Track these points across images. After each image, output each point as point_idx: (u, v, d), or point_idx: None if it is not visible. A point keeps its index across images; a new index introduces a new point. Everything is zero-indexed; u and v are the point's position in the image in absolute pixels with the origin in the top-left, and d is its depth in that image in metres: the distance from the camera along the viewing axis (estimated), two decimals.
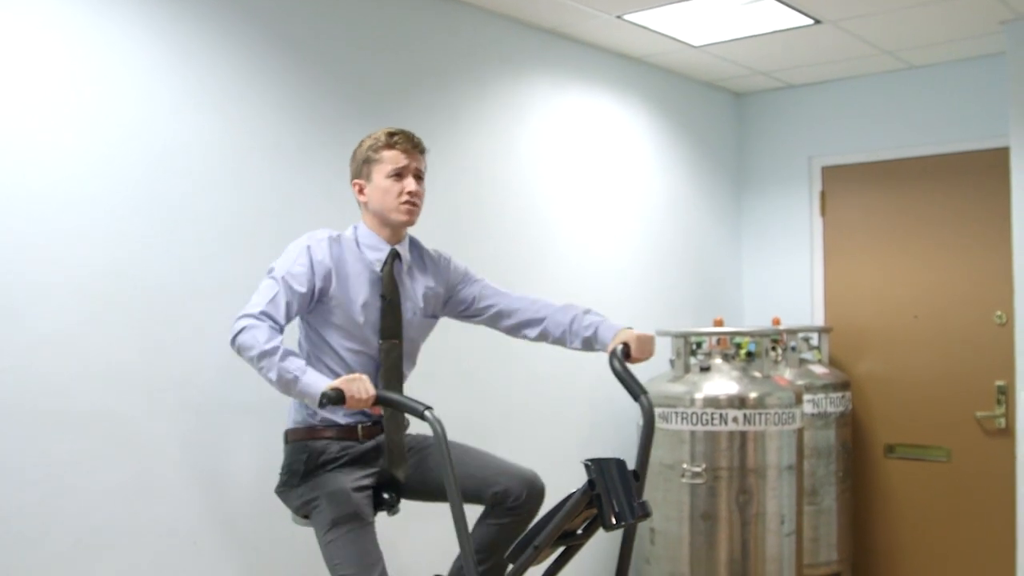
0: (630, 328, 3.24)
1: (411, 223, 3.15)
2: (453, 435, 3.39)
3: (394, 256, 3.14)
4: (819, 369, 5.63)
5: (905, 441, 5.77)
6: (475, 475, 3.10)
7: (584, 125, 5.27)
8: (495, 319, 3.39)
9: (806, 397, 5.30)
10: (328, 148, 3.98)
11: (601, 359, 5.05)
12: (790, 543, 4.83)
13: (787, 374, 5.38)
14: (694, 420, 4.79)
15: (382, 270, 3.10)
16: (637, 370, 4.96)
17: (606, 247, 5.38)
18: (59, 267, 3.21)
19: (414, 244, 3.28)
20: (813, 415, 5.42)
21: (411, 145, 3.12)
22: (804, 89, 6.16)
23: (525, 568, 2.81)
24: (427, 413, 2.73)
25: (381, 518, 3.10)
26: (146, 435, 3.42)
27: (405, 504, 3.22)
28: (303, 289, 2.96)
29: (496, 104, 4.78)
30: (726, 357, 5.04)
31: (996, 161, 5.26)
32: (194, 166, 3.59)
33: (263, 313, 2.85)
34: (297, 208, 3.89)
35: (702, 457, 4.77)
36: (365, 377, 2.78)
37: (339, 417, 3.08)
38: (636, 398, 3.05)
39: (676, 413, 4.84)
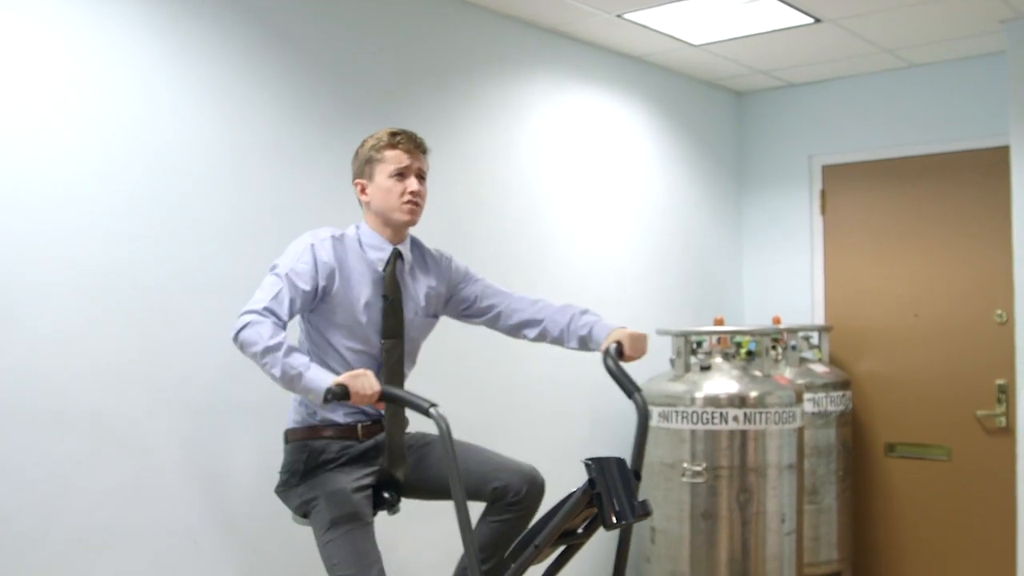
0: (624, 327, 3.24)
1: (413, 223, 3.16)
2: (454, 434, 3.40)
3: (396, 256, 3.14)
4: (819, 368, 5.63)
5: (905, 440, 5.77)
6: (474, 471, 3.10)
7: (584, 124, 5.27)
8: (496, 320, 3.39)
9: (806, 396, 5.30)
10: (328, 147, 3.98)
11: (600, 358, 5.06)
12: (790, 542, 4.83)
13: (787, 373, 5.38)
14: (694, 419, 4.79)
15: (384, 270, 3.10)
16: (637, 368, 4.95)
17: (606, 246, 5.38)
18: (59, 267, 3.21)
19: (415, 244, 3.28)
20: (813, 414, 5.41)
21: (413, 145, 3.12)
22: (804, 88, 6.16)
23: (526, 567, 2.82)
24: (432, 410, 2.73)
25: (381, 517, 3.10)
26: (146, 435, 3.42)
27: (405, 504, 3.22)
28: (307, 287, 2.95)
29: (496, 103, 4.78)
30: (726, 356, 5.04)
31: (996, 160, 5.26)
32: (194, 166, 3.59)
33: (267, 309, 2.84)
34: (297, 208, 3.89)
35: (702, 456, 4.77)
36: (369, 373, 2.78)
37: (339, 416, 3.08)
38: (630, 396, 3.05)
39: (676, 412, 4.84)
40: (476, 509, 3.15)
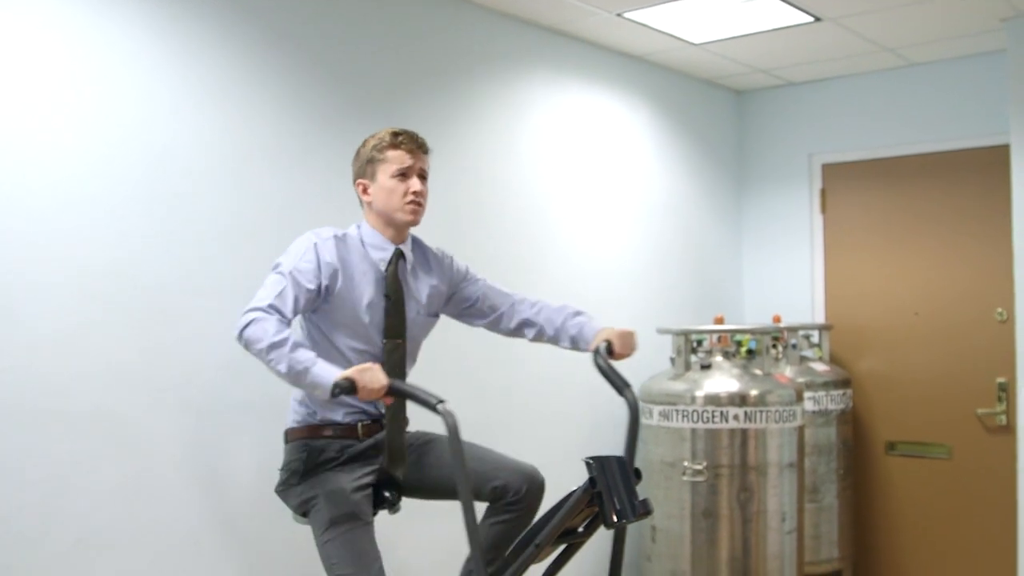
0: (612, 327, 3.26)
1: (416, 223, 3.16)
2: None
3: (398, 256, 3.14)
4: (820, 366, 5.63)
5: (906, 438, 5.76)
6: (475, 470, 3.09)
7: (584, 123, 5.27)
8: (498, 321, 3.41)
9: (807, 394, 5.30)
10: (328, 147, 3.98)
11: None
12: (791, 541, 4.83)
13: (788, 372, 5.38)
14: (695, 418, 4.79)
15: (387, 269, 3.11)
16: (637, 367, 4.95)
17: (606, 245, 5.37)
18: (59, 267, 3.21)
19: (417, 243, 3.28)
20: (814, 412, 5.42)
21: (415, 145, 3.12)
22: (804, 86, 6.16)
23: (527, 566, 2.82)
24: (440, 406, 2.72)
25: (381, 517, 3.10)
26: (146, 435, 3.42)
27: (405, 503, 3.22)
28: (311, 286, 2.95)
29: (496, 102, 4.78)
30: (727, 355, 5.04)
31: (996, 158, 5.25)
32: (194, 166, 3.59)
33: (271, 306, 2.83)
34: (297, 207, 3.89)
35: (703, 455, 4.77)
36: (377, 367, 2.77)
37: (339, 416, 3.08)
38: (620, 392, 3.07)
39: (677, 411, 4.84)
40: (478, 510, 3.16)
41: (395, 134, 3.11)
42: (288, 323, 2.85)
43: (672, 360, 5.10)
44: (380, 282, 3.10)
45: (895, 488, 5.79)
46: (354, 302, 3.04)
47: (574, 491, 2.78)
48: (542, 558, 2.89)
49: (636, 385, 5.18)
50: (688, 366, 4.99)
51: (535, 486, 3.15)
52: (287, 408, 3.20)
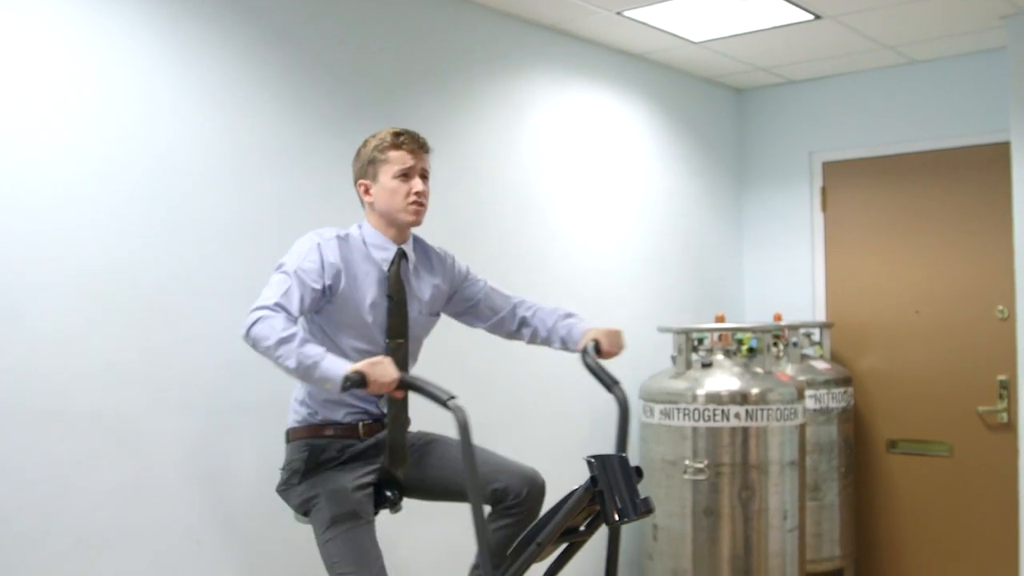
0: (600, 327, 3.29)
1: (418, 223, 3.16)
2: (455, 433, 3.40)
3: (401, 255, 3.14)
4: (821, 365, 5.62)
5: (907, 436, 5.76)
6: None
7: (584, 122, 5.27)
8: (499, 325, 3.43)
9: (808, 393, 5.30)
10: (329, 147, 3.98)
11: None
12: (793, 539, 4.83)
13: (789, 370, 5.37)
14: (696, 416, 4.79)
15: (389, 270, 3.10)
16: (638, 365, 4.96)
17: (607, 244, 5.37)
18: (59, 267, 3.21)
19: (419, 242, 3.28)
20: (815, 411, 5.41)
21: (417, 145, 3.12)
22: (804, 85, 6.15)
23: (528, 564, 2.82)
24: (451, 402, 2.71)
25: (382, 516, 3.10)
26: (146, 435, 3.42)
27: (406, 503, 3.22)
28: (316, 285, 2.94)
29: (496, 101, 4.78)
30: (728, 353, 5.04)
31: (997, 156, 5.25)
32: (194, 166, 3.59)
33: (277, 304, 2.82)
34: (297, 207, 3.89)
35: (704, 453, 4.77)
36: (387, 360, 2.75)
37: (340, 415, 3.08)
38: (609, 389, 3.10)
39: (678, 409, 4.83)
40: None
41: (396, 134, 3.11)
42: (295, 321, 2.84)
43: (673, 359, 5.10)
44: (383, 282, 3.09)
45: (896, 486, 5.78)
46: (357, 302, 3.04)
47: (575, 490, 2.77)
48: (544, 557, 2.88)
49: (637, 384, 5.19)
50: (689, 364, 4.99)
51: (536, 489, 3.14)
52: (287, 408, 3.20)
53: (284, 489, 3.12)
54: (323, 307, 3.02)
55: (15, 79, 3.13)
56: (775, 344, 5.45)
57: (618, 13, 4.79)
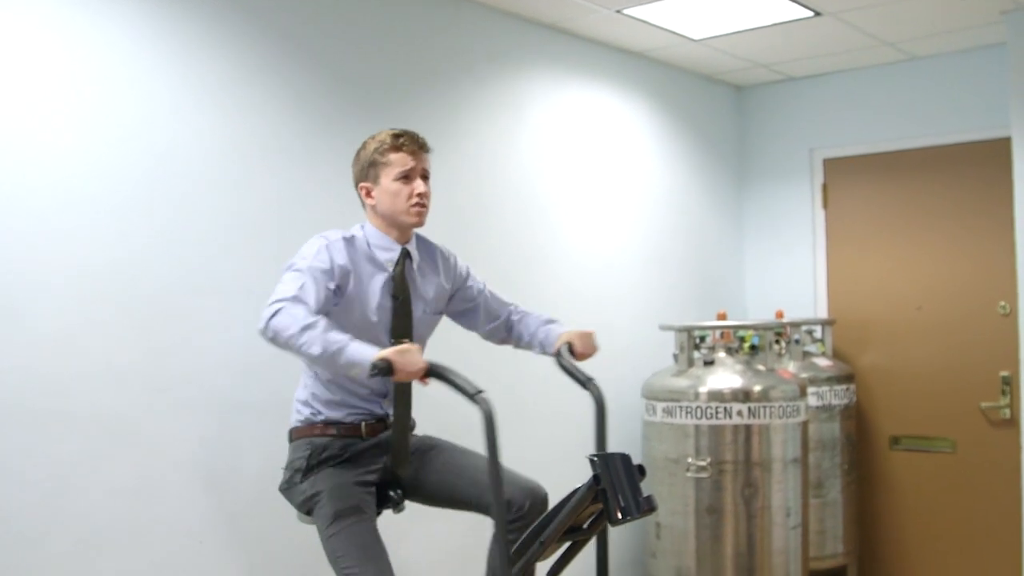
0: (573, 329, 3.32)
1: (421, 224, 3.16)
2: (456, 434, 3.40)
3: (405, 256, 3.14)
4: (823, 362, 5.62)
5: (910, 433, 5.76)
6: (477, 480, 3.09)
7: (585, 120, 5.26)
8: (495, 332, 3.46)
9: (810, 390, 5.29)
10: (329, 146, 3.97)
11: (603, 355, 5.06)
12: (796, 536, 4.82)
13: (791, 367, 5.37)
14: (698, 414, 4.78)
15: (394, 271, 3.10)
16: (639, 363, 4.96)
17: (608, 242, 5.37)
18: (59, 267, 3.20)
19: (422, 241, 3.28)
20: (818, 408, 5.41)
21: (417, 146, 3.12)
22: (805, 81, 6.15)
23: (532, 563, 2.81)
24: (478, 396, 2.70)
25: (385, 516, 3.10)
26: (147, 435, 3.41)
27: (407, 503, 3.21)
28: (330, 284, 2.94)
29: (496, 100, 4.78)
30: (730, 351, 5.04)
31: (998, 151, 5.24)
32: (194, 165, 3.58)
33: (295, 297, 2.80)
34: (298, 207, 3.88)
35: (707, 451, 4.77)
36: (416, 347, 2.76)
37: (343, 415, 3.08)
38: (584, 387, 3.11)
39: (680, 407, 4.83)
40: (475, 519, 3.16)
41: (396, 136, 3.10)
42: (314, 313, 2.81)
43: (675, 356, 5.10)
44: (388, 283, 3.10)
45: (899, 482, 5.78)
46: (363, 304, 3.04)
47: (578, 488, 2.77)
48: (547, 555, 2.88)
49: (639, 382, 5.19)
50: (691, 362, 4.98)
51: (538, 502, 3.11)
52: (289, 408, 3.20)
53: (286, 488, 3.12)
54: (330, 308, 3.01)
55: (15, 79, 3.13)
56: (777, 341, 5.45)
57: (618, 11, 4.79)
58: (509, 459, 3.18)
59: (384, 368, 2.66)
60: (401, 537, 3.13)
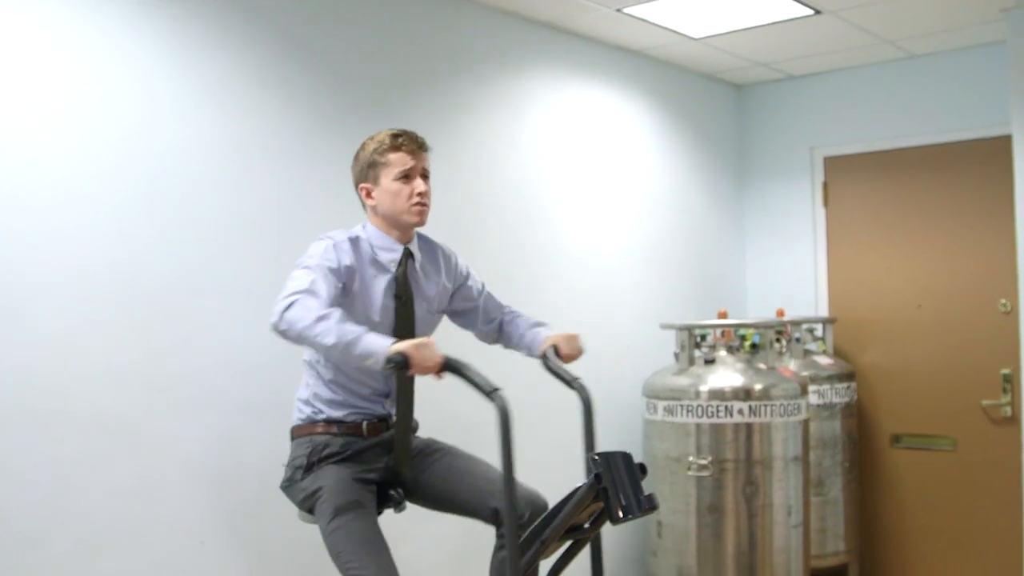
0: (559, 333, 3.31)
1: (422, 224, 3.16)
2: (457, 433, 3.40)
3: (407, 256, 3.14)
4: (824, 360, 5.62)
5: (911, 431, 5.75)
6: (477, 487, 3.10)
7: (585, 119, 5.26)
8: (490, 333, 3.47)
9: (811, 388, 5.29)
10: (329, 146, 3.97)
11: (604, 353, 5.06)
12: (797, 534, 4.82)
13: (792, 365, 5.37)
14: (699, 413, 4.78)
15: (397, 271, 3.10)
16: (640, 361, 4.95)
17: (608, 241, 5.37)
18: (59, 267, 3.20)
19: (424, 239, 3.28)
20: (819, 406, 5.41)
21: (416, 145, 3.12)
22: (805, 80, 6.15)
23: (533, 561, 2.81)
24: (494, 394, 2.70)
25: (386, 516, 3.10)
26: (147, 435, 3.41)
27: (408, 504, 3.21)
28: (339, 282, 2.94)
29: (496, 99, 4.77)
30: (730, 349, 5.03)
31: (998, 149, 5.24)
32: (194, 165, 3.58)
33: (308, 291, 2.80)
34: (298, 206, 3.88)
35: (708, 450, 4.76)
36: (432, 341, 2.75)
37: (344, 415, 3.08)
38: (570, 386, 3.10)
39: (681, 406, 4.83)
40: (474, 527, 3.16)
41: (395, 136, 3.10)
42: (327, 306, 2.81)
43: (676, 355, 5.10)
44: (391, 284, 3.10)
45: (900, 480, 5.78)
46: (366, 304, 3.04)
47: (580, 487, 2.77)
48: (548, 554, 2.88)
49: (639, 380, 5.19)
50: (692, 361, 4.98)
51: (537, 512, 3.09)
52: (289, 408, 3.20)
53: (287, 486, 3.12)
54: (338, 305, 3.01)
55: (15, 79, 3.13)
56: (778, 340, 5.44)
57: (617, 10, 4.79)
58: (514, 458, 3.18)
59: (400, 361, 2.65)
60: (402, 537, 3.13)
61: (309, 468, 3.04)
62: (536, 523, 2.87)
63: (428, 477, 3.16)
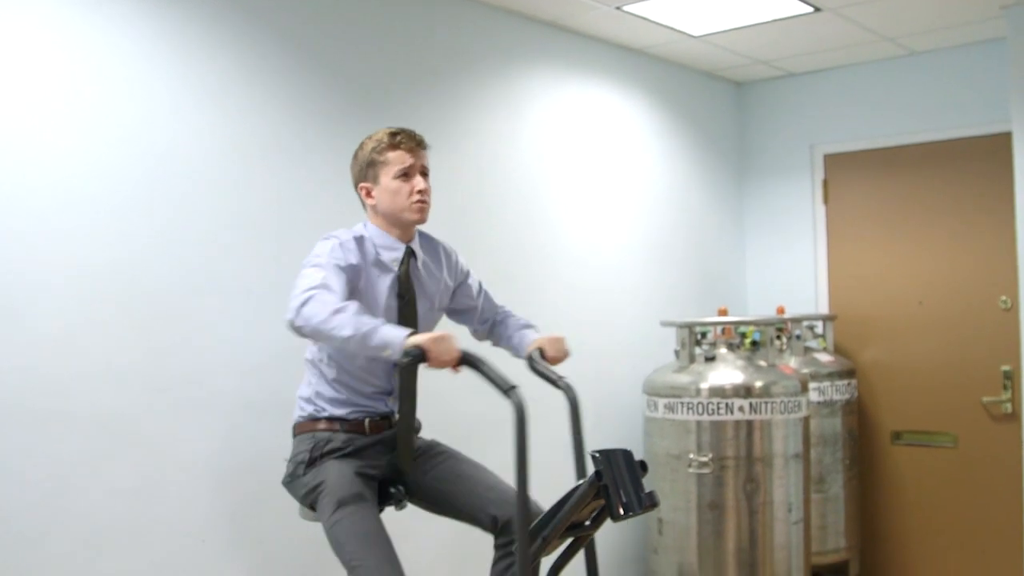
0: (545, 335, 3.31)
1: (423, 221, 3.16)
2: (459, 433, 3.40)
3: (409, 254, 3.15)
4: (824, 357, 5.62)
5: (911, 428, 5.76)
6: (480, 494, 3.10)
7: (585, 117, 5.26)
8: (484, 332, 3.47)
9: (812, 385, 5.29)
10: (329, 145, 3.97)
11: (605, 351, 5.07)
12: (798, 531, 4.83)
13: (792, 363, 5.37)
14: (700, 410, 4.78)
15: (400, 270, 3.11)
16: (640, 359, 4.94)
17: (608, 239, 5.37)
18: (59, 267, 3.20)
19: (425, 237, 3.29)
20: (819, 403, 5.41)
21: (415, 143, 3.12)
22: (805, 77, 6.14)
23: (535, 559, 2.81)
24: (511, 392, 2.69)
25: (387, 514, 3.10)
26: (148, 434, 3.42)
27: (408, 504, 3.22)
28: (347, 279, 2.95)
29: (497, 98, 4.77)
30: (731, 347, 5.04)
31: (998, 146, 5.24)
32: (194, 165, 3.58)
33: (323, 286, 2.81)
34: (298, 206, 3.88)
35: (708, 447, 4.77)
36: (450, 335, 2.75)
37: (346, 413, 3.09)
38: (556, 385, 3.11)
39: (682, 403, 4.83)
40: (473, 535, 3.17)
41: (393, 134, 3.11)
42: (342, 300, 2.82)
43: (676, 353, 5.10)
44: (394, 283, 3.10)
45: (901, 477, 5.78)
46: (371, 303, 3.05)
47: (580, 484, 2.77)
48: (549, 551, 2.88)
49: (640, 378, 5.19)
50: (692, 358, 4.98)
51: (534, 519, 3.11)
52: (290, 407, 3.21)
53: (289, 481, 3.12)
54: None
55: (15, 79, 3.13)
56: (778, 337, 5.45)
57: (618, 8, 4.79)
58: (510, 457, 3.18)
59: (418, 356, 2.66)
60: (402, 535, 3.13)
61: (311, 463, 3.04)
62: (538, 520, 2.87)
63: (430, 479, 3.16)
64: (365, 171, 3.13)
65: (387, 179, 3.08)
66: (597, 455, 2.75)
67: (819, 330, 5.86)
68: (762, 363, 4.95)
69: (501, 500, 3.09)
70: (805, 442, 4.91)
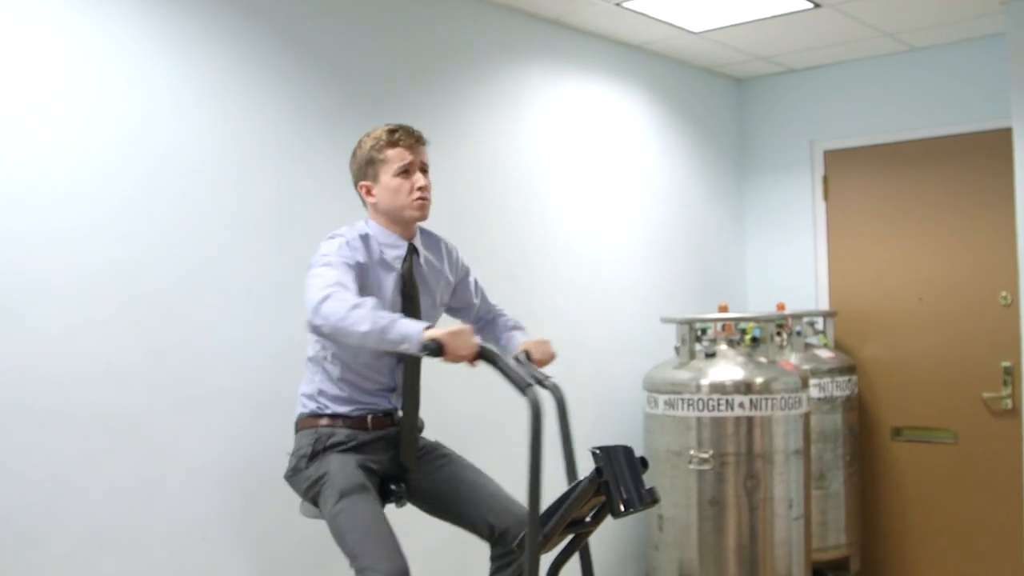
0: (532, 338, 3.31)
1: (424, 218, 3.17)
2: (458, 431, 3.40)
3: (412, 251, 3.15)
4: (825, 353, 5.62)
5: (912, 424, 5.76)
6: (479, 501, 3.11)
7: (585, 114, 5.26)
8: (479, 331, 3.46)
9: (812, 381, 5.29)
10: (329, 143, 3.97)
11: (605, 348, 5.07)
12: (798, 527, 4.83)
13: (792, 359, 5.37)
14: (700, 406, 4.79)
15: (403, 267, 3.11)
16: (641, 356, 4.94)
17: (608, 235, 5.37)
18: (59, 267, 3.21)
19: (426, 234, 3.29)
20: (819, 399, 5.41)
21: (413, 140, 3.12)
22: (805, 73, 6.14)
23: (536, 556, 2.81)
24: (528, 390, 2.69)
25: (388, 511, 3.10)
26: (148, 434, 3.42)
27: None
28: (356, 276, 2.96)
29: (497, 94, 4.77)
30: (731, 343, 5.04)
31: (998, 142, 5.24)
32: (195, 164, 3.58)
33: (338, 283, 2.83)
34: (298, 204, 3.89)
35: (709, 443, 4.77)
36: (468, 330, 2.75)
37: (348, 410, 3.10)
38: (543, 386, 3.08)
39: (682, 399, 4.83)
40: (473, 544, 3.18)
41: (391, 131, 3.11)
42: (357, 296, 2.83)
43: (676, 349, 5.10)
44: (398, 281, 3.11)
45: (901, 473, 5.78)
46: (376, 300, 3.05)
47: (581, 481, 2.78)
48: (550, 548, 2.89)
49: (640, 374, 5.19)
50: (693, 355, 4.99)
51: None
52: (290, 407, 3.21)
53: (292, 475, 3.12)
54: None
55: (15, 79, 3.13)
56: (778, 333, 5.45)
57: (617, 4, 4.78)
58: (513, 456, 3.19)
59: (435, 349, 2.66)
60: (403, 533, 3.13)
61: (314, 456, 3.05)
62: (539, 517, 2.88)
63: (430, 482, 3.17)
64: (365, 169, 3.13)
65: (387, 177, 3.09)
66: (598, 451, 2.76)
67: (819, 326, 5.86)
68: (762, 359, 4.96)
69: (501, 509, 3.09)
70: (805, 438, 4.91)
